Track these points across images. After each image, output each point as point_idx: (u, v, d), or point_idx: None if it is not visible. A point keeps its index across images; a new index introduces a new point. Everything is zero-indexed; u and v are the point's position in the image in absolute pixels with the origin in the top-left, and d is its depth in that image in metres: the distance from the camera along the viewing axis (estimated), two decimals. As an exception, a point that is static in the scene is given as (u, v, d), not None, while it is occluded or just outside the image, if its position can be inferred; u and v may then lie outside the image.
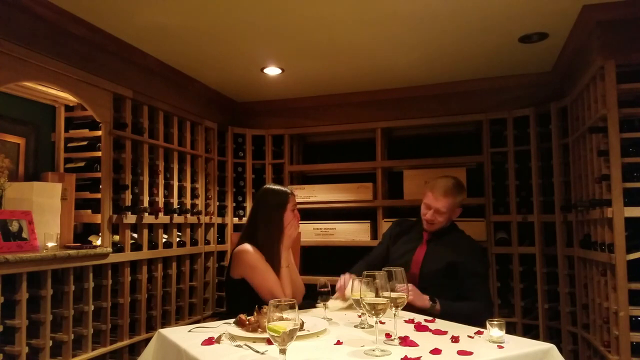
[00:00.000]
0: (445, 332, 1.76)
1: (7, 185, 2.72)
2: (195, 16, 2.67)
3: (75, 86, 2.75)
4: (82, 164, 3.28)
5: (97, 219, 3.00)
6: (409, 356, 1.45)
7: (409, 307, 2.07)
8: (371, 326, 1.83)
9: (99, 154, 3.04)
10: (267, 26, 2.81)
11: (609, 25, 2.57)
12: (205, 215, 3.91)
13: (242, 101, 4.43)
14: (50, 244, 2.63)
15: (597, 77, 2.61)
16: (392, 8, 2.59)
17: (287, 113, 4.36)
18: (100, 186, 2.96)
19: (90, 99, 2.85)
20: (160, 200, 3.37)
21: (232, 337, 1.68)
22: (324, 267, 4.04)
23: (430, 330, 1.81)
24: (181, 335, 1.79)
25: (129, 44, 3.04)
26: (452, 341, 1.65)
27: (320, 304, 2.10)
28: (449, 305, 2.28)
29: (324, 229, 4.07)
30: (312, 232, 4.08)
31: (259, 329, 1.71)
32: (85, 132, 3.30)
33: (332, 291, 2.12)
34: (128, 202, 3.05)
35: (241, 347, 1.61)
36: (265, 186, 2.47)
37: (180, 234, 3.67)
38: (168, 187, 3.50)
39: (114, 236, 3.00)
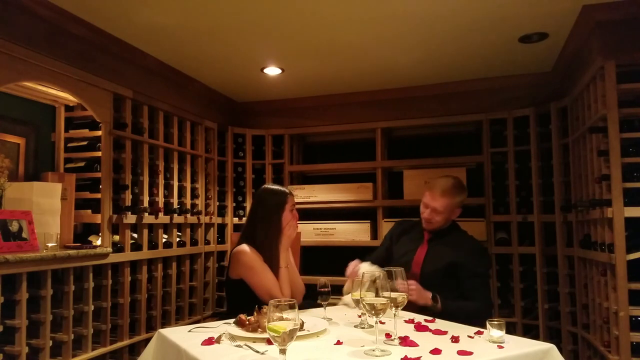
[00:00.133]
0: (445, 332, 1.76)
1: (7, 185, 2.72)
2: (195, 16, 2.67)
3: (75, 86, 2.75)
4: (82, 164, 3.28)
5: (97, 219, 3.00)
6: (409, 356, 1.45)
7: (410, 305, 2.07)
8: (371, 326, 1.83)
9: (99, 154, 3.04)
10: (267, 26, 2.81)
11: (609, 25, 2.57)
12: (205, 215, 3.91)
13: (242, 101, 4.43)
14: (50, 244, 2.63)
15: (597, 77, 2.61)
16: (392, 8, 2.59)
17: (287, 113, 4.36)
18: (100, 186, 2.96)
19: (90, 99, 2.85)
20: (160, 200, 3.37)
21: (232, 337, 1.68)
22: (324, 267, 4.03)
23: (430, 330, 1.81)
24: (181, 335, 1.79)
25: (129, 44, 3.04)
26: (452, 341, 1.65)
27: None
28: (449, 304, 2.28)
29: (324, 229, 4.07)
30: (312, 232, 4.08)
31: (259, 329, 1.71)
32: (85, 132, 3.30)
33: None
34: (128, 202, 3.05)
35: (241, 347, 1.61)
36: (263, 186, 2.47)
37: (180, 234, 3.67)
38: (168, 187, 3.50)
39: (114, 236, 3.00)
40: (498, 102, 3.74)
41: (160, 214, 3.33)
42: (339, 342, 1.65)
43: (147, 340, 2.34)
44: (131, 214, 3.07)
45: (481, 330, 1.79)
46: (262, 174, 4.31)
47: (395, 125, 4.06)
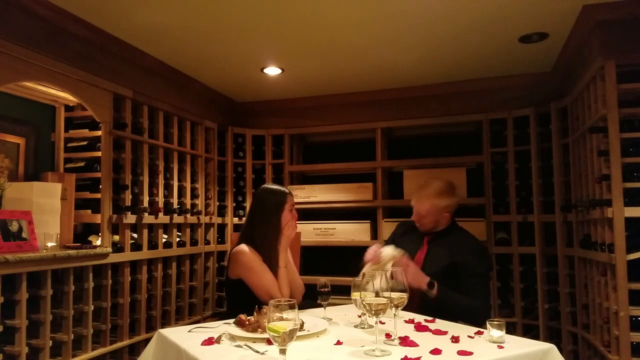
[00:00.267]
0: (445, 332, 1.76)
1: (7, 185, 2.72)
2: (195, 16, 2.67)
3: (75, 86, 2.75)
4: (82, 164, 3.28)
5: (97, 219, 3.00)
6: (409, 356, 1.45)
7: (410, 304, 2.06)
8: (371, 326, 1.83)
9: (99, 154, 3.04)
10: (267, 26, 2.81)
11: (609, 25, 2.57)
12: (205, 215, 3.91)
13: (242, 101, 4.43)
14: (50, 244, 2.63)
15: (597, 77, 2.61)
16: (392, 8, 2.59)
17: (287, 113, 4.36)
18: (100, 186, 2.96)
19: (90, 99, 2.85)
20: (160, 200, 3.37)
21: (232, 337, 1.68)
22: (324, 267, 4.04)
23: (430, 330, 1.81)
24: (181, 335, 1.79)
25: (129, 44, 3.04)
26: (452, 341, 1.65)
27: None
28: (445, 292, 2.28)
29: (324, 229, 4.07)
30: (312, 232, 4.08)
31: (259, 329, 1.71)
32: (85, 132, 3.30)
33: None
34: (128, 202, 3.05)
35: (241, 347, 1.61)
36: (263, 186, 2.46)
37: (180, 234, 3.67)
38: (168, 187, 3.50)
39: (114, 236, 3.00)
40: (498, 102, 3.74)
41: (160, 214, 3.33)
42: (339, 342, 1.65)
43: (147, 340, 2.34)
44: (131, 214, 3.07)
45: (481, 330, 1.79)
46: (262, 174, 4.31)
47: (395, 125, 4.06)
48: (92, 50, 2.84)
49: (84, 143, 3.29)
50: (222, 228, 4.18)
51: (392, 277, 1.69)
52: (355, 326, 1.91)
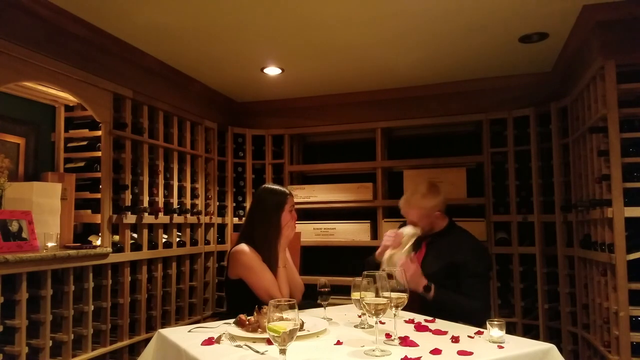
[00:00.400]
0: (445, 332, 1.76)
1: (7, 185, 2.72)
2: (195, 16, 2.67)
3: (75, 86, 2.75)
4: (82, 164, 3.28)
5: (97, 219, 3.00)
6: (409, 356, 1.45)
7: (410, 304, 2.07)
8: (371, 326, 1.83)
9: (99, 154, 3.04)
10: (267, 26, 2.81)
11: (609, 25, 2.57)
12: (205, 215, 3.91)
13: (242, 101, 4.43)
14: (50, 244, 2.63)
15: (597, 77, 2.61)
16: (392, 8, 2.59)
17: (287, 113, 4.36)
18: (100, 186, 2.96)
19: (90, 99, 2.85)
20: (160, 200, 3.37)
21: (232, 337, 1.68)
22: (324, 267, 4.04)
23: (430, 330, 1.81)
24: (181, 335, 1.79)
25: (129, 44, 3.04)
26: (452, 341, 1.65)
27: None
28: (443, 295, 2.28)
29: (324, 229, 4.07)
30: (312, 232, 4.08)
31: (259, 329, 1.71)
32: (85, 132, 3.30)
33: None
34: (128, 202, 3.05)
35: (241, 347, 1.61)
36: (263, 186, 2.47)
37: (180, 234, 3.67)
38: (168, 187, 3.50)
39: (114, 236, 3.00)
40: (498, 102, 3.74)
41: (160, 214, 3.33)
42: (339, 342, 1.65)
43: (147, 341, 2.34)
44: (131, 214, 3.07)
45: (481, 330, 1.79)
46: (262, 174, 4.31)
47: (395, 125, 4.06)
48: (92, 50, 2.84)
49: (84, 143, 3.29)
50: (222, 228, 4.18)
51: (392, 277, 1.69)
52: (355, 326, 1.91)
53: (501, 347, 1.58)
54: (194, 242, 3.76)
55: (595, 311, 2.77)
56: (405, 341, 1.62)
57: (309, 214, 4.22)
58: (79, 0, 2.48)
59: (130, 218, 3.07)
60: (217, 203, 4.10)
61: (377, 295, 1.55)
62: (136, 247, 3.16)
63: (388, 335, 1.69)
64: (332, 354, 1.54)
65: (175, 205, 3.53)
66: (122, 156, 3.06)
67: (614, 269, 2.45)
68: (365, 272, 1.60)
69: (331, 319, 1.99)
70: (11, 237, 2.47)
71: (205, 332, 1.81)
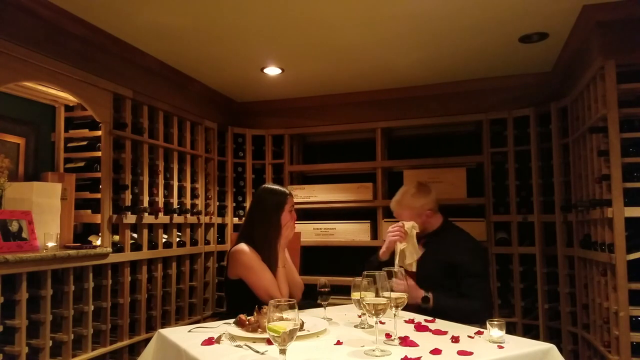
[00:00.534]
0: (445, 332, 1.76)
1: (7, 185, 2.72)
2: (195, 16, 2.67)
3: (75, 86, 2.75)
4: (82, 164, 3.28)
5: (97, 219, 3.00)
6: (409, 356, 1.45)
7: (410, 304, 2.08)
8: (371, 326, 1.83)
9: (99, 154, 3.04)
10: (267, 26, 2.81)
11: (609, 25, 2.57)
12: (205, 215, 3.91)
13: (242, 101, 4.43)
14: (50, 244, 2.63)
15: (597, 77, 2.61)
16: (392, 9, 2.59)
17: (287, 113, 4.36)
18: (100, 186, 2.96)
19: (90, 99, 2.85)
20: (160, 200, 3.37)
21: (232, 337, 1.68)
22: (324, 267, 4.04)
23: (430, 330, 1.81)
24: (181, 335, 1.79)
25: (129, 44, 3.04)
26: (452, 341, 1.65)
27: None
28: (441, 301, 2.28)
29: (324, 229, 4.07)
30: (312, 232, 4.08)
31: (259, 329, 1.71)
32: (85, 132, 3.30)
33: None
34: (128, 202, 3.05)
35: (241, 347, 1.61)
36: (263, 186, 2.47)
37: (180, 234, 3.66)
38: (168, 187, 3.50)
39: (114, 236, 3.00)
40: (498, 102, 3.74)
41: (160, 214, 3.33)
42: (339, 342, 1.65)
43: (147, 341, 2.34)
44: (131, 214, 3.07)
45: (481, 330, 1.79)
46: (262, 174, 4.31)
47: (395, 125, 4.06)
48: (92, 50, 2.84)
49: (84, 143, 3.29)
50: (222, 228, 4.18)
51: (392, 277, 1.69)
52: (355, 326, 1.91)
53: (501, 347, 1.58)
54: (194, 242, 3.76)
55: (595, 311, 2.77)
56: (405, 341, 1.62)
57: (309, 214, 4.22)
58: (79, 0, 2.48)
59: (130, 218, 3.07)
60: (217, 203, 4.10)
61: (377, 295, 1.56)
62: (136, 247, 3.16)
63: (388, 335, 1.69)
64: (332, 354, 1.54)
65: (175, 205, 3.53)
66: (122, 156, 3.05)
67: (614, 269, 2.45)
68: (365, 272, 1.60)
69: (331, 319, 2.00)
70: (11, 237, 2.47)
71: (205, 332, 1.81)
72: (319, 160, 4.52)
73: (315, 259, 4.14)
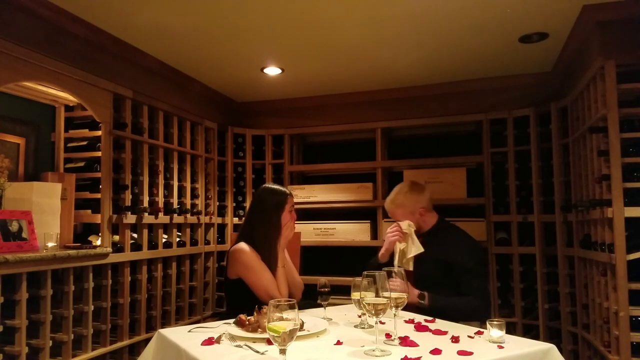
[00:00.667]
0: (445, 332, 1.76)
1: (7, 185, 2.72)
2: (195, 16, 2.67)
3: (75, 86, 2.75)
4: (82, 164, 3.28)
5: (97, 219, 3.00)
6: (409, 356, 1.45)
7: (410, 304, 2.08)
8: (371, 326, 1.83)
9: (99, 154, 3.04)
10: (267, 26, 2.81)
11: (609, 25, 2.57)
12: (205, 215, 3.91)
13: (242, 101, 4.43)
14: (50, 244, 2.63)
15: (597, 77, 2.61)
16: (392, 9, 2.59)
17: (287, 113, 4.36)
18: (100, 186, 2.96)
19: (90, 99, 2.85)
20: (160, 200, 3.37)
21: (232, 337, 1.68)
22: (324, 267, 4.04)
23: (430, 330, 1.81)
24: (181, 335, 1.79)
25: (129, 44, 3.04)
26: (452, 341, 1.65)
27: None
28: (438, 300, 2.28)
29: (324, 229, 4.07)
30: (312, 232, 4.08)
31: (259, 329, 1.71)
32: (85, 132, 3.30)
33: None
34: (128, 202, 3.05)
35: (241, 347, 1.61)
36: (263, 185, 2.47)
37: (180, 234, 3.66)
38: (168, 187, 3.50)
39: (114, 236, 3.00)
40: (498, 102, 3.74)
41: (160, 214, 3.33)
42: (339, 342, 1.65)
43: (147, 341, 2.34)
44: (131, 214, 3.07)
45: (481, 330, 1.79)
46: (262, 174, 4.31)
47: (395, 125, 4.06)
48: (92, 50, 2.84)
49: (84, 143, 3.29)
50: (222, 228, 4.18)
51: (392, 277, 1.69)
52: (355, 326, 1.91)
53: (501, 347, 1.58)
54: (194, 242, 3.76)
55: (595, 311, 2.77)
56: (405, 341, 1.62)
57: (309, 214, 4.22)
58: (79, 0, 2.48)
59: (130, 218, 3.07)
60: (217, 203, 4.10)
61: (377, 295, 1.55)
62: (136, 247, 3.16)
63: (388, 335, 1.69)
64: (332, 354, 1.54)
65: (175, 205, 3.53)
66: (122, 156, 3.05)
67: (614, 269, 2.45)
68: (365, 272, 1.60)
69: (331, 319, 2.00)
70: (11, 237, 2.47)
71: (205, 332, 1.81)
72: (319, 160, 4.52)
73: (315, 259, 4.14)
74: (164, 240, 3.43)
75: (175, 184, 3.56)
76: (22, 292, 2.36)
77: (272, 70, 3.56)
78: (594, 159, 2.67)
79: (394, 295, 1.64)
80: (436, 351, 1.52)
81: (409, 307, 2.16)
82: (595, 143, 2.65)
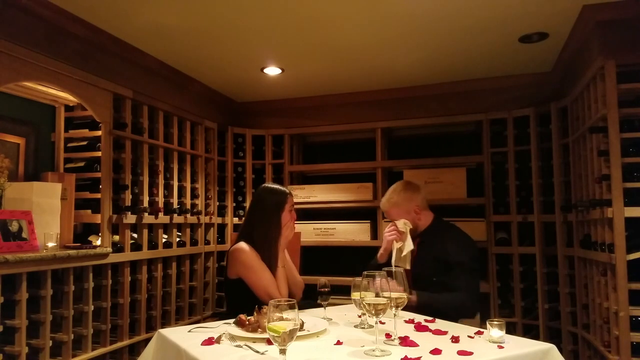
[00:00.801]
0: (445, 332, 1.76)
1: (7, 185, 2.72)
2: (195, 16, 2.67)
3: (75, 86, 2.75)
4: (82, 164, 3.28)
5: (97, 219, 3.00)
6: (409, 356, 1.45)
7: (410, 304, 2.08)
8: (371, 326, 1.83)
9: (99, 154, 3.04)
10: (267, 26, 2.81)
11: (609, 25, 2.57)
12: (205, 215, 3.91)
13: (242, 101, 4.43)
14: (50, 244, 2.63)
15: (597, 77, 2.61)
16: (392, 9, 2.59)
17: (287, 113, 4.36)
18: (100, 186, 2.96)
19: (90, 99, 2.85)
20: (160, 200, 3.37)
21: (232, 337, 1.68)
22: (324, 267, 4.04)
23: (430, 330, 1.81)
24: (181, 335, 1.79)
25: (129, 44, 3.04)
26: (452, 341, 1.65)
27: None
28: (425, 297, 2.29)
29: (324, 229, 4.07)
30: (312, 232, 4.08)
31: (259, 329, 1.71)
32: (85, 132, 3.30)
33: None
34: (128, 202, 3.05)
35: (241, 347, 1.61)
36: (263, 185, 2.47)
37: (180, 234, 3.66)
38: (168, 187, 3.50)
39: (114, 236, 3.00)
40: (498, 102, 3.74)
41: (160, 214, 3.33)
42: (339, 342, 1.65)
43: (147, 340, 2.34)
44: (131, 214, 3.07)
45: (481, 330, 1.79)
46: (262, 174, 4.31)
47: (395, 125, 4.06)
48: (92, 50, 2.84)
49: (84, 143, 3.29)
50: (222, 228, 4.18)
51: (392, 277, 1.69)
52: (355, 326, 1.91)
53: (501, 347, 1.58)
54: (194, 242, 3.76)
55: (595, 311, 2.77)
56: (405, 341, 1.62)
57: (309, 214, 4.22)
58: (79, 0, 2.48)
59: (130, 218, 3.07)
60: (217, 203, 4.10)
61: (377, 295, 1.55)
62: (136, 247, 3.16)
63: (388, 335, 1.69)
64: (332, 354, 1.54)
65: (175, 205, 3.53)
66: (122, 156, 3.05)
67: (614, 269, 2.45)
68: (365, 272, 1.60)
69: (331, 319, 2.00)
70: (11, 237, 2.47)
71: (205, 332, 1.81)
72: (319, 160, 4.52)
73: (315, 259, 4.14)
74: (164, 240, 3.43)
75: (175, 184, 3.56)
76: (22, 292, 2.36)
77: (272, 70, 3.56)
78: (594, 159, 2.67)
79: (394, 295, 1.64)
80: (436, 351, 1.52)
81: (413, 308, 2.17)
82: (595, 143, 2.65)
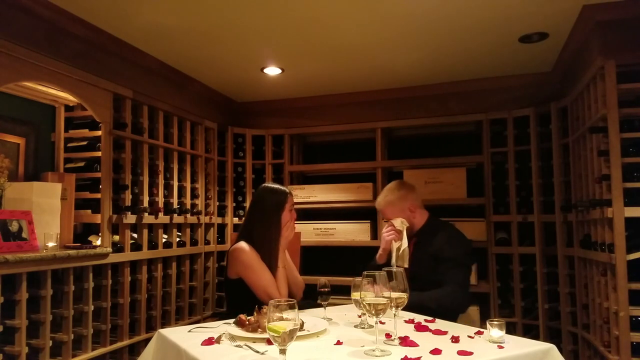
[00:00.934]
0: (445, 332, 1.76)
1: (7, 185, 2.72)
2: (195, 16, 2.67)
3: (75, 86, 2.75)
4: (82, 164, 3.28)
5: (97, 219, 3.00)
6: (409, 356, 1.45)
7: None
8: (371, 326, 1.83)
9: (99, 154, 3.04)
10: (267, 26, 2.81)
11: (609, 25, 2.57)
12: (205, 215, 3.91)
13: (242, 101, 4.43)
14: (50, 244, 2.63)
15: (597, 77, 2.61)
16: (392, 9, 2.59)
17: (287, 113, 4.36)
18: (100, 186, 2.96)
19: (90, 99, 2.85)
20: (160, 200, 3.37)
21: (232, 337, 1.68)
22: (324, 267, 4.04)
23: (430, 330, 1.81)
24: (181, 335, 1.79)
25: (129, 44, 3.04)
26: (452, 341, 1.65)
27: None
28: (415, 297, 2.29)
29: (324, 229, 4.07)
30: (312, 232, 4.08)
31: (259, 329, 1.71)
32: (85, 132, 3.30)
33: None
34: (128, 202, 3.05)
35: (241, 347, 1.61)
36: (263, 185, 2.47)
37: (180, 234, 3.66)
38: (168, 187, 3.50)
39: (114, 236, 3.00)
40: (498, 102, 3.74)
41: (160, 214, 3.33)
42: (339, 342, 1.65)
43: (147, 341, 2.34)
44: (131, 214, 3.07)
45: (481, 330, 1.79)
46: (262, 174, 4.31)
47: (395, 125, 4.06)
48: (92, 50, 2.84)
49: (84, 143, 3.29)
50: (222, 228, 4.18)
51: (392, 277, 1.69)
52: (355, 326, 1.91)
53: (501, 347, 1.58)
54: (194, 242, 3.76)
55: (595, 311, 2.77)
56: (405, 341, 1.62)
57: (309, 214, 4.22)
58: (79, 0, 2.48)
59: (130, 218, 3.07)
60: (217, 203, 4.10)
61: (377, 295, 1.55)
62: (136, 247, 3.16)
63: (388, 335, 1.69)
64: (332, 354, 1.54)
65: (175, 205, 3.53)
66: (122, 156, 3.05)
67: (614, 269, 2.45)
68: (365, 272, 1.60)
69: (331, 319, 2.00)
70: (11, 237, 2.47)
71: (205, 332, 1.81)
72: (319, 160, 4.52)
73: (315, 259, 4.14)
74: (164, 240, 3.43)
75: (175, 184, 3.56)
76: (22, 292, 2.36)
77: (272, 70, 3.56)
78: (594, 159, 2.67)
79: (394, 295, 1.64)
80: (436, 351, 1.52)
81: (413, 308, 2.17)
82: (595, 143, 2.65)
